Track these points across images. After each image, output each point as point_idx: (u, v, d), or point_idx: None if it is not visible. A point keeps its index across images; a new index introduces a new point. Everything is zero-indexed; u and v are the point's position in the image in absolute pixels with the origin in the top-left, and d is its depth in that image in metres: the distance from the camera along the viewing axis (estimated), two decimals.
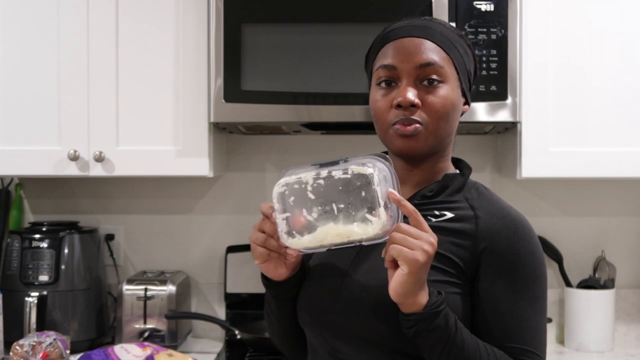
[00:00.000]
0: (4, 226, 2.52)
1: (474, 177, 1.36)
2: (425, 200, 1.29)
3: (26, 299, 2.23)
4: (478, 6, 2.08)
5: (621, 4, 2.16)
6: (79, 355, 1.91)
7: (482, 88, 2.05)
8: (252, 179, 2.55)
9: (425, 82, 1.25)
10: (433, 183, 1.31)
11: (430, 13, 2.05)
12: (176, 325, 2.33)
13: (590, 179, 2.37)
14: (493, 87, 2.07)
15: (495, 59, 2.07)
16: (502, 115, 2.09)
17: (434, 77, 1.25)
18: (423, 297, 1.15)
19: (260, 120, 2.12)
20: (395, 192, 1.14)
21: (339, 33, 2.11)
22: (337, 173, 1.15)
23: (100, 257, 2.46)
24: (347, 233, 1.14)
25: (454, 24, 1.95)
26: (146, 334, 2.29)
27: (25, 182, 2.57)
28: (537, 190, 2.50)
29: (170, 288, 2.32)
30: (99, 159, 2.19)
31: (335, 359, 1.28)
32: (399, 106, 1.25)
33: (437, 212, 1.28)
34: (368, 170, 1.13)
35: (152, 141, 2.22)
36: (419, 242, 1.12)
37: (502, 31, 2.07)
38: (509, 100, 2.08)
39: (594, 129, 2.16)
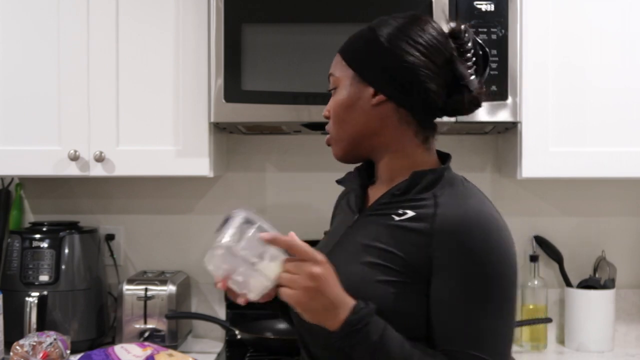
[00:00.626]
0: (4, 226, 2.52)
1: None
2: (394, 199, 1.27)
3: (26, 299, 2.23)
4: (478, 6, 2.08)
5: (621, 4, 2.16)
6: (79, 355, 1.90)
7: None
8: (252, 179, 2.55)
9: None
10: (402, 181, 1.28)
11: (431, 13, 2.05)
12: (176, 325, 2.33)
13: (590, 179, 2.37)
14: (493, 87, 2.06)
15: (496, 59, 2.07)
16: (503, 115, 2.09)
17: (331, 86, 1.35)
18: (341, 314, 1.14)
19: (260, 120, 2.12)
20: (265, 234, 1.16)
21: (339, 33, 2.08)
22: (216, 252, 1.22)
23: (100, 257, 2.46)
24: (270, 283, 1.16)
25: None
26: (146, 334, 2.29)
27: (25, 182, 2.56)
28: (537, 190, 2.50)
29: (171, 288, 2.31)
30: (99, 159, 2.19)
31: (309, 356, 1.31)
32: None
33: (400, 211, 1.25)
34: (216, 252, 1.20)
35: (152, 141, 2.22)
36: (299, 279, 1.13)
37: (503, 31, 2.07)
38: (509, 100, 2.08)
39: (594, 129, 2.16)
